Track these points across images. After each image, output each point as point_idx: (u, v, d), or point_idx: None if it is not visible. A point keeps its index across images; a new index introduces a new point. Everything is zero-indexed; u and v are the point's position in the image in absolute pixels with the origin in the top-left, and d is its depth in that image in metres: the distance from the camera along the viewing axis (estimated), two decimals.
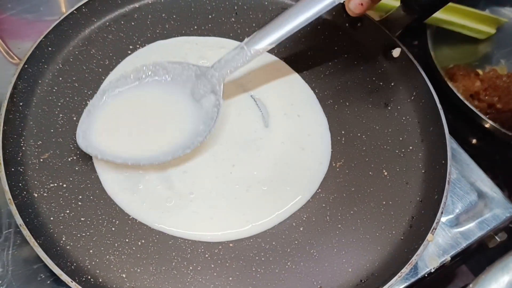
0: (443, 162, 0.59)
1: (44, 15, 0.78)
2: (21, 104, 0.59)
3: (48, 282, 0.54)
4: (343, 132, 0.64)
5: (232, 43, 0.70)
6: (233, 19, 0.72)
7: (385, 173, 0.61)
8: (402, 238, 0.56)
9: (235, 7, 0.73)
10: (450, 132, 0.61)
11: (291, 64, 0.69)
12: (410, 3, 0.68)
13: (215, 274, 0.52)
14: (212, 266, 0.53)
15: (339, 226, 0.57)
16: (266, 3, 0.75)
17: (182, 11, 0.72)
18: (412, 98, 0.67)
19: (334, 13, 0.73)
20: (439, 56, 0.87)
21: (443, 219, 0.63)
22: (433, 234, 0.53)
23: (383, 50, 0.71)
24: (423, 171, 0.61)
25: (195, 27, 0.71)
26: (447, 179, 0.57)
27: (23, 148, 0.57)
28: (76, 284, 0.47)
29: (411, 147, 0.63)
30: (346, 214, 0.57)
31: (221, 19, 0.72)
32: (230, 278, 0.52)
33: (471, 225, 0.63)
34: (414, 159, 0.62)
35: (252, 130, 0.61)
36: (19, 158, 0.56)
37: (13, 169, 0.54)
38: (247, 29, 0.72)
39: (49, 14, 0.78)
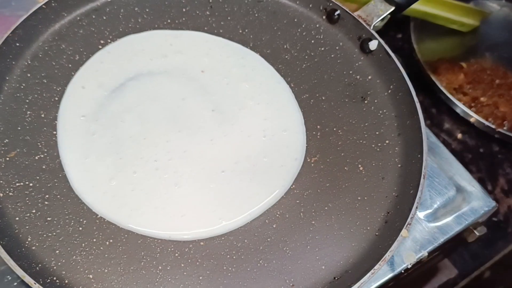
0: (419, 156, 0.58)
1: (15, 9, 0.76)
2: None
3: (15, 283, 0.53)
4: (318, 127, 0.63)
5: (206, 37, 0.68)
6: (207, 13, 0.71)
7: (361, 168, 0.60)
8: (377, 234, 0.55)
9: (210, 0, 0.72)
10: (434, 126, 0.60)
11: (266, 58, 0.68)
12: None
13: (185, 273, 0.51)
14: (182, 265, 0.51)
15: (313, 222, 0.56)
16: None
17: (155, 4, 0.70)
18: (389, 91, 0.66)
19: (311, 5, 0.72)
20: (422, 49, 0.87)
21: (421, 214, 0.62)
22: (407, 230, 0.53)
23: (360, 43, 0.70)
24: (399, 165, 0.60)
25: (169, 20, 0.69)
26: (422, 173, 0.56)
27: None
28: (40, 286, 0.46)
29: (387, 141, 0.62)
30: (320, 210, 0.56)
31: (195, 13, 0.70)
32: (201, 277, 0.51)
33: (448, 219, 0.62)
34: (390, 154, 0.61)
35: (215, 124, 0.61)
36: None
37: None
38: (222, 23, 0.70)
39: (20, 8, 0.76)
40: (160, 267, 0.51)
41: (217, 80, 0.65)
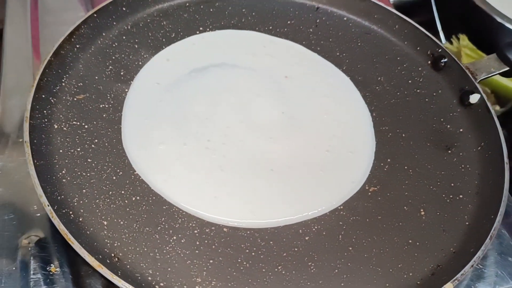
0: (492, 217, 0.51)
1: None
2: (77, 46, 0.60)
3: (38, 214, 0.52)
4: (389, 160, 0.57)
5: (301, 49, 0.67)
6: (311, 30, 0.70)
7: (422, 213, 0.53)
8: (418, 283, 0.48)
9: (317, 20, 0.71)
10: None
11: (356, 83, 0.65)
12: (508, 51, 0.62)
13: (197, 251, 0.47)
14: (197, 243, 0.48)
15: (350, 248, 0.50)
16: (350, 24, 0.72)
17: (263, 10, 0.71)
18: (479, 148, 0.59)
19: (418, 48, 0.69)
20: None
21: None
22: (453, 284, 0.45)
23: (461, 94, 0.64)
24: (467, 223, 0.53)
25: (270, 27, 0.69)
26: (490, 234, 0.48)
27: (63, 84, 0.58)
28: (52, 210, 0.45)
29: (461, 196, 0.55)
30: (362, 240, 0.50)
31: (299, 27, 0.70)
32: (211, 261, 0.47)
33: None
34: (461, 209, 0.54)
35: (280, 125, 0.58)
36: (54, 90, 0.56)
37: (43, 96, 0.55)
38: (321, 42, 0.69)
39: None
40: (174, 237, 0.48)
41: (298, 88, 0.63)
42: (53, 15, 0.75)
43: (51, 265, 0.49)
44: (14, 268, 0.48)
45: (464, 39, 0.82)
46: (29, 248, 0.50)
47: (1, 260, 0.49)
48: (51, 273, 0.49)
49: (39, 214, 0.52)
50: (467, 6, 0.76)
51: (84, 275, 0.50)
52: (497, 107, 0.76)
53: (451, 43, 0.81)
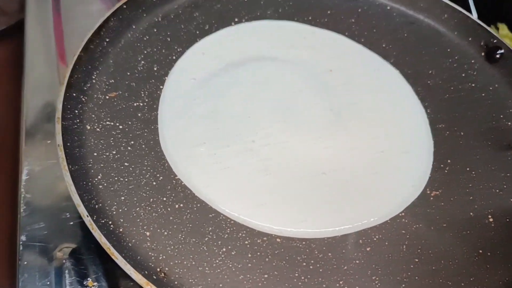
0: None
1: None
2: (107, 40, 0.56)
3: (71, 223, 0.48)
4: (449, 161, 0.53)
5: (345, 40, 0.62)
6: (352, 20, 0.65)
7: (490, 220, 0.49)
8: None
9: (359, 10, 0.66)
10: None
11: (406, 77, 0.60)
12: None
13: (249, 265, 0.43)
14: (249, 256, 0.43)
15: (416, 260, 0.45)
16: (393, 13, 0.67)
17: (301, 0, 0.66)
18: None
19: (470, 39, 0.64)
20: None
21: None
22: None
23: None
24: None
25: (310, 17, 0.65)
26: None
27: (93, 81, 0.53)
28: (91, 221, 0.40)
29: None
30: (428, 250, 0.46)
31: (339, 17, 0.65)
32: (266, 276, 0.42)
33: None
34: None
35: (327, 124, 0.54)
36: (85, 88, 0.52)
37: (74, 94, 0.50)
38: (365, 33, 0.64)
39: None
40: (224, 249, 0.43)
41: (343, 83, 0.58)
42: (74, 8, 0.70)
43: (88, 279, 0.45)
44: (48, 283, 0.44)
45: (503, 29, 0.77)
46: (63, 261, 0.45)
47: (34, 274, 0.45)
48: (88, 287, 0.44)
49: (71, 223, 0.48)
50: None
51: None
52: None
53: None
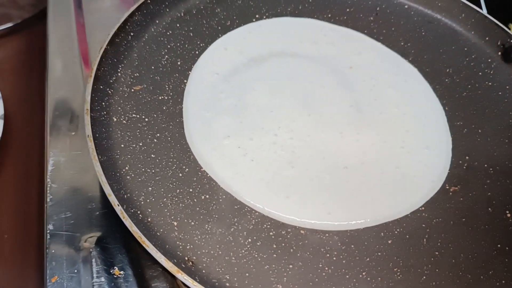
0: None
1: None
2: (131, 34, 0.57)
3: (97, 213, 0.49)
4: (467, 157, 0.54)
5: (364, 38, 0.63)
6: (371, 18, 0.66)
7: (509, 215, 0.50)
8: None
9: (377, 8, 0.67)
10: None
11: (424, 75, 0.61)
12: None
13: (274, 255, 0.44)
14: (274, 246, 0.44)
15: (436, 253, 0.46)
16: (411, 12, 0.68)
17: None
18: None
19: (487, 38, 0.64)
20: None
21: None
22: None
23: None
24: None
25: (329, 15, 0.66)
26: None
27: (119, 74, 0.54)
28: (122, 210, 0.41)
29: None
30: (448, 244, 0.47)
31: (358, 15, 0.66)
32: (290, 266, 0.43)
33: None
34: None
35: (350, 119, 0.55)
36: (111, 81, 0.53)
37: (101, 87, 0.51)
38: (384, 31, 0.65)
39: None
40: (249, 240, 0.44)
41: (364, 79, 0.59)
42: (96, 2, 0.71)
43: (114, 267, 0.46)
44: (75, 271, 0.45)
45: None
46: (90, 250, 0.46)
47: (62, 262, 0.46)
48: (115, 276, 0.45)
49: (98, 213, 0.49)
50: None
51: (148, 278, 0.46)
52: None
53: None
